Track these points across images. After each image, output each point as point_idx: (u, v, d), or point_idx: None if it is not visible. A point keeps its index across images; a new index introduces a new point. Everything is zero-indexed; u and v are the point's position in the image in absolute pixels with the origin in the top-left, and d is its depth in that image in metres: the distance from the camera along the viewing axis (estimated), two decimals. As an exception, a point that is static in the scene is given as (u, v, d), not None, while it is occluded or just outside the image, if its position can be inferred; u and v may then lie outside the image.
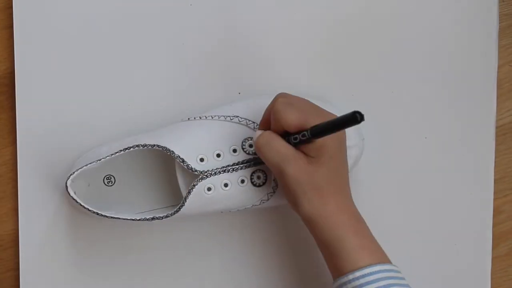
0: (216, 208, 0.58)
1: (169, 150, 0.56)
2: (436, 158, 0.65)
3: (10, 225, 0.66)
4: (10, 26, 0.63)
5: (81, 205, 0.58)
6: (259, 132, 0.55)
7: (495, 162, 0.65)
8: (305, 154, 0.52)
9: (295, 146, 0.53)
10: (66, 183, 0.58)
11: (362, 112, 0.44)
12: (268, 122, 0.55)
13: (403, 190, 0.65)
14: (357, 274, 0.51)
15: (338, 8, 0.63)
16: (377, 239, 0.65)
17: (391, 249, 0.65)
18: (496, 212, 0.65)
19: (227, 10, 0.63)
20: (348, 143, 0.59)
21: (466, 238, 0.65)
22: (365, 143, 0.62)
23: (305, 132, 0.51)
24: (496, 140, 0.65)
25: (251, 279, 0.66)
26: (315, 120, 0.51)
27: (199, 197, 0.56)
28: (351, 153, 0.59)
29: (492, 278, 0.65)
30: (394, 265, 0.53)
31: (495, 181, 0.65)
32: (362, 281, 0.50)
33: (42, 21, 0.63)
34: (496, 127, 0.65)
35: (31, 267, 0.65)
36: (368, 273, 0.51)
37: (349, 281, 0.51)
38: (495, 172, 0.65)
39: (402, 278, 0.52)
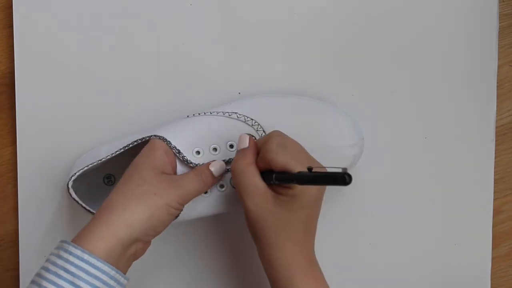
0: (214, 210, 0.58)
1: (166, 139, 0.56)
2: (436, 158, 0.65)
3: (10, 225, 0.66)
4: (10, 26, 0.64)
5: (82, 206, 0.58)
6: (239, 156, 0.54)
7: (495, 162, 0.65)
8: (279, 194, 0.52)
9: (274, 184, 0.52)
10: (67, 184, 0.58)
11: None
12: (254, 151, 0.54)
13: (403, 190, 0.65)
14: None
15: (338, 8, 0.63)
16: (377, 240, 0.65)
17: (391, 249, 0.65)
18: (496, 212, 0.65)
19: (227, 10, 0.63)
20: (348, 142, 0.59)
21: (466, 238, 0.65)
22: (365, 143, 0.62)
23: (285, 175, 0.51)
24: (496, 140, 0.65)
25: (250, 279, 0.66)
26: (302, 168, 0.50)
27: (196, 200, 0.56)
28: (351, 153, 0.59)
29: (492, 278, 0.65)
30: None
31: (495, 181, 0.65)
32: None
33: (42, 21, 0.63)
34: (496, 127, 0.65)
35: (31, 267, 0.65)
36: None
37: None
38: (495, 172, 0.65)
39: None
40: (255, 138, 0.57)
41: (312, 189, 0.52)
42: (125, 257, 0.51)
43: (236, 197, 0.57)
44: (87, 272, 0.48)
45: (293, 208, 0.52)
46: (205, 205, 0.57)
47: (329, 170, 0.47)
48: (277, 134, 0.54)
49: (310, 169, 0.48)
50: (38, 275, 0.49)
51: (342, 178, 0.43)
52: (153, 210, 0.51)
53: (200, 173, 0.55)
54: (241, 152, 0.54)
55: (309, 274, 0.53)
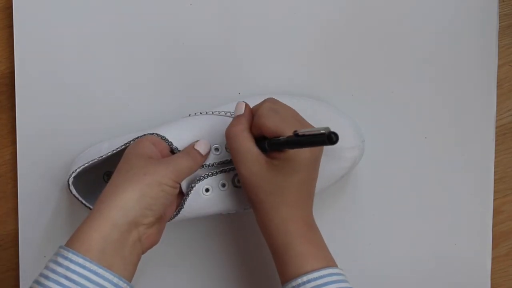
0: (215, 209, 0.58)
1: (168, 140, 0.56)
2: (436, 158, 0.65)
3: (10, 225, 0.66)
4: (10, 26, 0.64)
5: (82, 203, 0.58)
6: (234, 122, 0.54)
7: (495, 162, 0.65)
8: (273, 159, 0.52)
9: (268, 151, 0.52)
10: (68, 181, 0.58)
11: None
12: (249, 118, 0.54)
13: (403, 190, 0.65)
14: (304, 278, 0.50)
15: (338, 8, 0.63)
16: (377, 239, 0.65)
17: (391, 249, 0.65)
18: (496, 212, 0.65)
19: (227, 10, 0.63)
20: (347, 144, 0.59)
21: (466, 238, 0.65)
22: (365, 143, 0.62)
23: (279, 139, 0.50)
24: (496, 140, 0.65)
25: (252, 279, 0.66)
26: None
27: (198, 199, 0.56)
28: (351, 155, 0.59)
29: (492, 278, 0.65)
30: (340, 269, 0.52)
31: (495, 181, 0.65)
32: (308, 285, 0.50)
33: (42, 21, 0.63)
34: (496, 127, 0.65)
35: (31, 267, 0.65)
36: (313, 278, 0.50)
37: (296, 286, 0.50)
38: (495, 172, 0.65)
39: (347, 281, 0.52)
40: None
41: (304, 151, 0.51)
42: (127, 244, 0.50)
43: (238, 197, 0.57)
44: (89, 280, 0.47)
45: (287, 172, 0.52)
46: (206, 204, 0.57)
47: (316, 130, 0.46)
48: (269, 100, 0.54)
49: (297, 133, 0.48)
50: (37, 282, 0.48)
51: (328, 138, 0.43)
52: (144, 189, 0.50)
53: (188, 152, 0.55)
54: (236, 118, 0.54)
55: (307, 238, 0.52)
